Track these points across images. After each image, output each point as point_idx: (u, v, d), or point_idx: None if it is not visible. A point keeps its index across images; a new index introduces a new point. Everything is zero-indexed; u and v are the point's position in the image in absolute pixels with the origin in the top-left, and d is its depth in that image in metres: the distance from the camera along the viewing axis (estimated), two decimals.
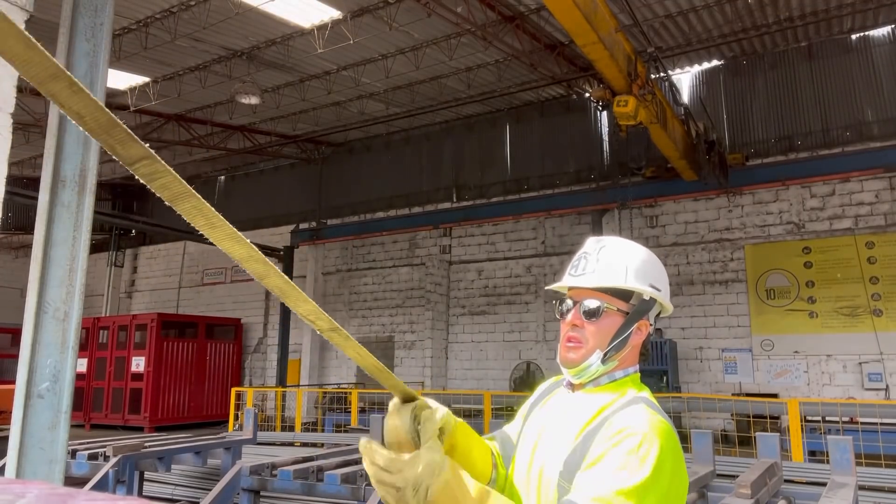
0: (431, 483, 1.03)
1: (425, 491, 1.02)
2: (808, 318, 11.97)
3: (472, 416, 10.61)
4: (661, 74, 11.29)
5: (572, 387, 1.38)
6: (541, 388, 1.51)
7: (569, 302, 1.37)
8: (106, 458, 5.72)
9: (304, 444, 8.94)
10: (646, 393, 1.33)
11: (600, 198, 13.40)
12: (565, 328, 1.36)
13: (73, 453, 5.84)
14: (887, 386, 11.05)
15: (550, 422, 1.36)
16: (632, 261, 1.36)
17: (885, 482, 5.66)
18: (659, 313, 1.42)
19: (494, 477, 1.38)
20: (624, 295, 1.34)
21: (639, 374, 1.39)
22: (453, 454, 1.21)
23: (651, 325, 1.38)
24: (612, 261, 1.36)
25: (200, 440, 6.91)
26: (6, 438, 2.95)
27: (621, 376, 1.35)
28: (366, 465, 1.08)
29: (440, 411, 1.16)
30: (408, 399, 1.16)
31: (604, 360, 1.32)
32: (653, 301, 1.37)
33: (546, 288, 1.44)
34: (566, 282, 1.37)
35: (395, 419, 1.14)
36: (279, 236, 18.19)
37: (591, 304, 1.33)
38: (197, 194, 0.79)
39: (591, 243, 1.41)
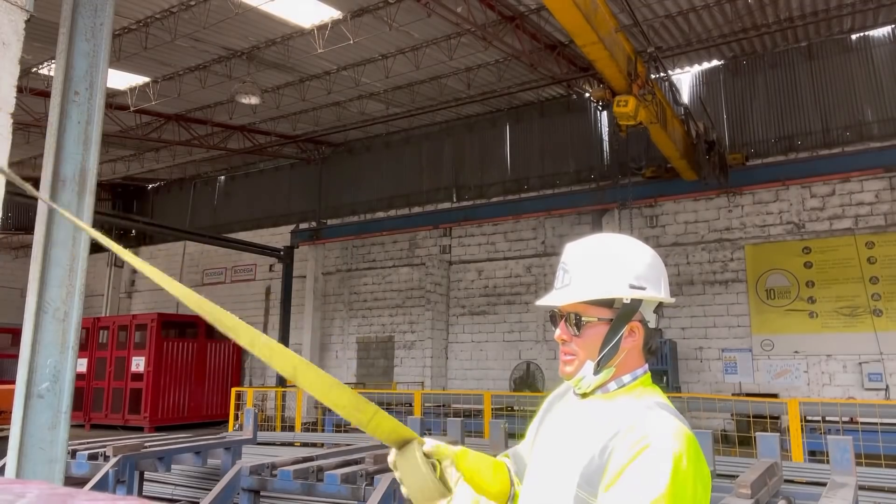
0: None
1: None
2: (808, 318, 11.97)
3: (472, 416, 10.61)
4: (661, 74, 11.28)
5: (582, 394, 1.35)
6: (547, 400, 1.49)
7: (556, 316, 1.35)
8: (106, 458, 5.72)
9: (304, 444, 8.96)
10: (659, 396, 1.29)
11: (600, 198, 13.39)
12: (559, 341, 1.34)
13: (73, 453, 5.84)
14: (887, 386, 11.04)
15: (563, 432, 1.33)
16: (606, 265, 1.30)
17: (885, 482, 5.66)
18: (660, 305, 1.34)
19: (513, 494, 1.39)
20: (605, 302, 1.29)
21: (649, 375, 1.34)
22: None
23: (647, 322, 1.32)
24: (585, 270, 1.31)
25: (200, 440, 6.91)
26: (6, 438, 2.95)
27: (630, 380, 1.31)
28: None
29: (440, 449, 1.19)
30: (402, 441, 1.18)
31: (597, 371, 1.29)
32: (638, 301, 1.30)
33: (536, 303, 1.40)
34: (544, 301, 1.34)
35: (414, 470, 1.16)
36: (279, 236, 18.18)
37: (571, 318, 1.31)
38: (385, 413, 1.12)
39: (567, 251, 1.36)
